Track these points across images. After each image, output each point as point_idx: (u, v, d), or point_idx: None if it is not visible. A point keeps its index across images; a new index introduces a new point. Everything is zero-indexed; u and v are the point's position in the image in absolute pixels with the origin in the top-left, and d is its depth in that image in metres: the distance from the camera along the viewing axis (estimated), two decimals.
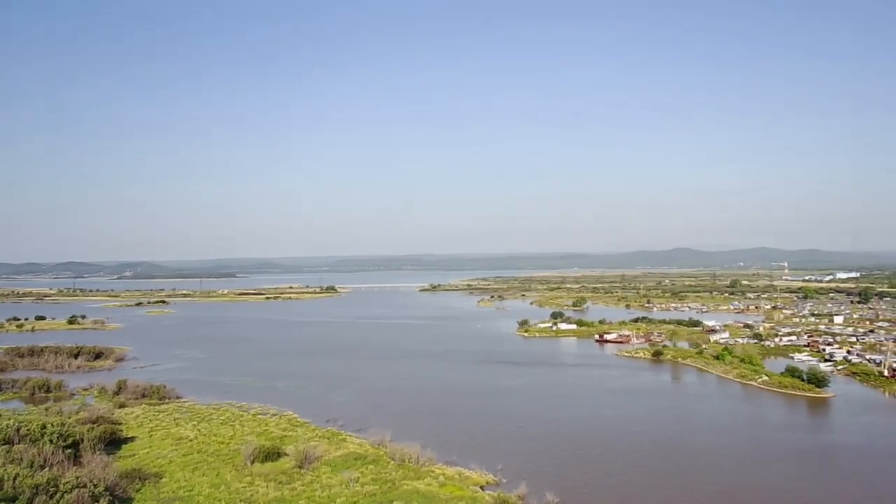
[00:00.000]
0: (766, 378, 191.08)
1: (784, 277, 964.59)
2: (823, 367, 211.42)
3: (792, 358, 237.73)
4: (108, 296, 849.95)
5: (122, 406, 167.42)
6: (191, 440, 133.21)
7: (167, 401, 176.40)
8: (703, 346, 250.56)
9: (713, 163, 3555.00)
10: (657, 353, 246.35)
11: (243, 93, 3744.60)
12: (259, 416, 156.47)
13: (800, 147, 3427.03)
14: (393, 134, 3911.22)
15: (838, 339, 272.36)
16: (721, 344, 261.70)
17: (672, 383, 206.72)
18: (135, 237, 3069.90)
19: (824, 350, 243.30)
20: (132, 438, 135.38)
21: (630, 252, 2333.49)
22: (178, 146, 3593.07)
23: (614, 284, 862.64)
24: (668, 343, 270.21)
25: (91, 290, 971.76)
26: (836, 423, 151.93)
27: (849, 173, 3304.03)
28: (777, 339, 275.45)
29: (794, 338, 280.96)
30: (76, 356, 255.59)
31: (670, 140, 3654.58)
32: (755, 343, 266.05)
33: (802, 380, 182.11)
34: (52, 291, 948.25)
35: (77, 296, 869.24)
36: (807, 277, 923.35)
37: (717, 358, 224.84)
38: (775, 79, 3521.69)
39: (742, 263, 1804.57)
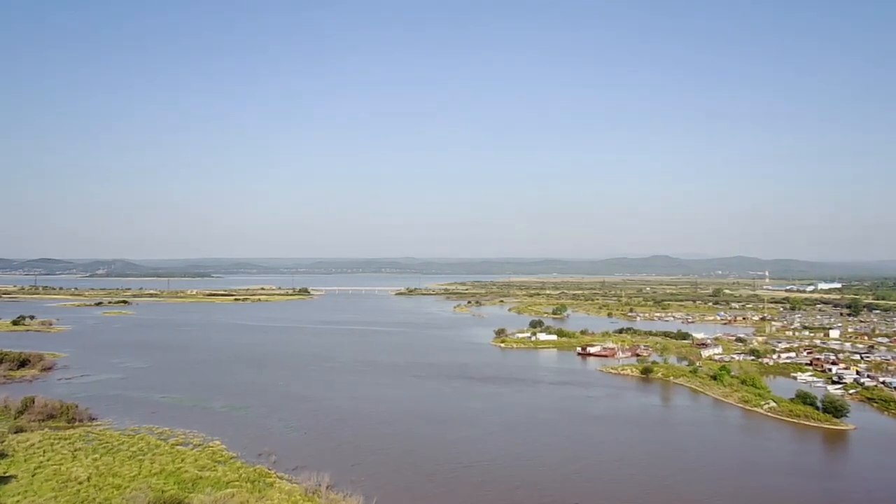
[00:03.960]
0: (773, 405, 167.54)
1: (765, 287, 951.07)
2: (832, 389, 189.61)
3: (794, 378, 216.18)
4: (71, 294, 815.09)
5: (19, 431, 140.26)
6: (81, 483, 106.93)
7: (77, 424, 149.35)
8: (698, 364, 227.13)
9: (690, 171, 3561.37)
10: (646, 371, 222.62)
11: (225, 92, 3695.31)
12: (178, 448, 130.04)
13: (777, 157, 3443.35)
14: (374, 136, 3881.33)
15: (840, 356, 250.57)
16: (716, 361, 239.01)
17: (663, 408, 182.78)
18: (110, 235, 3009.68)
19: (830, 370, 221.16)
20: (9, 478, 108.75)
21: (607, 259, 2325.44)
22: (155, 144, 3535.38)
23: (595, 291, 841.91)
24: (657, 358, 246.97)
25: (55, 289, 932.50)
26: (863, 467, 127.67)
27: (822, 184, 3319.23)
28: (775, 356, 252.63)
29: (793, 354, 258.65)
30: None
31: (647, 148, 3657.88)
32: (752, 360, 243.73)
33: (817, 408, 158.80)
34: (13, 289, 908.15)
35: (39, 294, 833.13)
36: (789, 287, 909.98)
37: (713, 378, 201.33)
38: (750, 90, 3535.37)
39: (720, 272, 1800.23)
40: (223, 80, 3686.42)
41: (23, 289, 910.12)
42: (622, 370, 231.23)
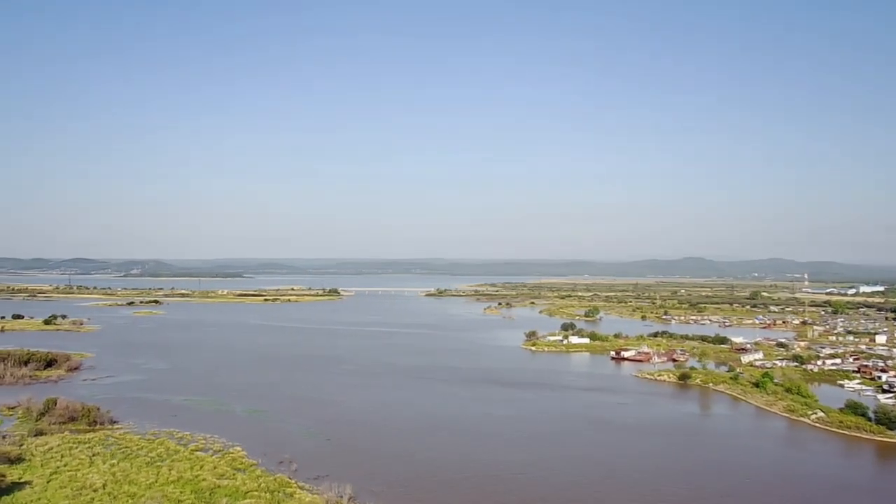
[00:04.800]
0: (821, 415, 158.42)
1: (804, 290, 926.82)
2: (883, 399, 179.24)
3: (841, 386, 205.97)
4: (104, 294, 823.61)
5: (39, 434, 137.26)
6: (95, 490, 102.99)
7: (97, 427, 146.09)
8: (738, 370, 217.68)
9: (723, 172, 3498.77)
10: (684, 377, 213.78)
11: (255, 91, 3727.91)
12: (198, 454, 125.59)
13: (812, 158, 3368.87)
14: (405, 136, 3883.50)
15: (889, 363, 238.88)
16: (757, 367, 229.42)
17: (703, 417, 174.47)
18: (144, 235, 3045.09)
19: (879, 377, 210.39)
20: (23, 485, 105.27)
21: (639, 261, 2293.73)
22: (187, 144, 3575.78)
23: (627, 293, 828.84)
24: (694, 363, 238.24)
25: (89, 288, 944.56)
26: None
27: (859, 185, 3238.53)
28: (820, 363, 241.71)
29: (838, 361, 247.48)
30: (26, 363, 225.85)
31: (676, 149, 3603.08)
32: (796, 366, 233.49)
33: (869, 419, 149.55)
34: (48, 288, 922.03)
35: (73, 293, 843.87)
36: (829, 290, 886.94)
37: (756, 385, 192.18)
38: (779, 88, 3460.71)
39: (756, 274, 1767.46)
40: (257, 80, 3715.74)
41: (57, 288, 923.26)
42: (658, 376, 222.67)
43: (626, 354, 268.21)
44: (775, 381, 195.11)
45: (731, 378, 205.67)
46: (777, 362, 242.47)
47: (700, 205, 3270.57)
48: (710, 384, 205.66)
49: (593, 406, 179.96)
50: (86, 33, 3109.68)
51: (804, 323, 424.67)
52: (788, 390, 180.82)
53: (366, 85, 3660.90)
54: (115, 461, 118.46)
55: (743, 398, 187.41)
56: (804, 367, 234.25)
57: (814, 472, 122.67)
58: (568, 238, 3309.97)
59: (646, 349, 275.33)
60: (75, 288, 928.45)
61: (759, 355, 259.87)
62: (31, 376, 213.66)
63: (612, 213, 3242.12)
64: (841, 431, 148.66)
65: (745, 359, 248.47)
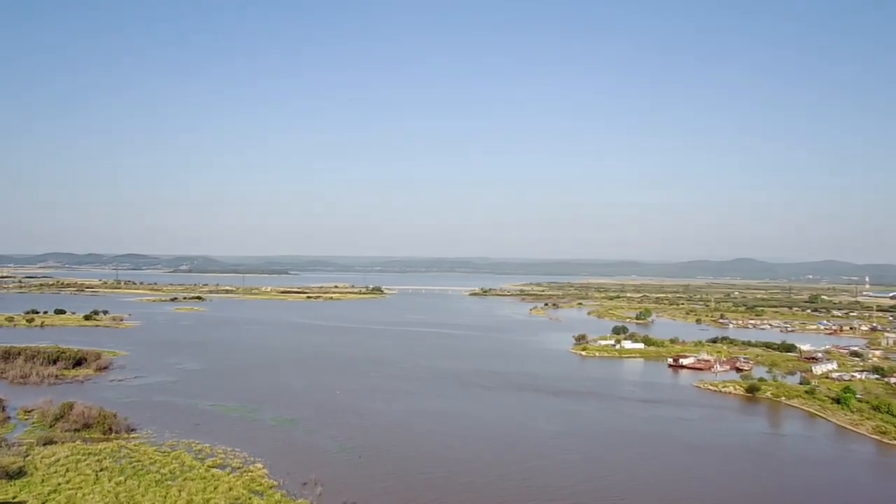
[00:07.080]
0: None
1: (866, 293, 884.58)
2: None
3: None
4: (150, 289, 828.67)
5: (48, 443, 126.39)
6: None
7: (112, 436, 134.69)
8: (815, 383, 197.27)
9: (776, 172, 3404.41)
10: (752, 389, 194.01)
11: (304, 89, 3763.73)
12: (214, 471, 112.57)
13: (867, 158, 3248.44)
14: (451, 136, 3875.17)
15: None
16: (834, 380, 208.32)
17: (777, 437, 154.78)
18: (195, 232, 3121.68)
19: None
20: None
21: (688, 261, 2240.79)
22: (237, 142, 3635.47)
23: (678, 295, 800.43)
24: (761, 373, 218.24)
25: (136, 283, 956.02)
26: None
27: None
28: None
29: None
30: (54, 362, 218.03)
31: (726, 148, 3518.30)
32: (876, 379, 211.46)
33: None
34: (96, 283, 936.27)
35: (120, 288, 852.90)
36: (893, 294, 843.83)
37: (836, 401, 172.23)
38: (825, 89, 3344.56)
39: (811, 276, 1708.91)
40: (294, 80, 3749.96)
41: (105, 283, 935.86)
42: (723, 387, 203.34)
43: (684, 362, 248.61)
44: (857, 396, 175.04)
45: (805, 392, 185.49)
46: (855, 374, 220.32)
47: (751, 206, 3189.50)
48: (783, 398, 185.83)
49: (651, 421, 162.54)
50: (125, 32, 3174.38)
51: (874, 329, 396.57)
52: (876, 408, 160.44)
53: (410, 85, 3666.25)
54: (122, 478, 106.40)
55: (821, 415, 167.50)
56: (886, 380, 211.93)
57: None
58: (614, 238, 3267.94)
59: (706, 356, 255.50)
60: (122, 283, 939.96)
61: (833, 365, 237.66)
62: (57, 376, 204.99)
63: (661, 214, 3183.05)
64: None
65: (818, 369, 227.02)
